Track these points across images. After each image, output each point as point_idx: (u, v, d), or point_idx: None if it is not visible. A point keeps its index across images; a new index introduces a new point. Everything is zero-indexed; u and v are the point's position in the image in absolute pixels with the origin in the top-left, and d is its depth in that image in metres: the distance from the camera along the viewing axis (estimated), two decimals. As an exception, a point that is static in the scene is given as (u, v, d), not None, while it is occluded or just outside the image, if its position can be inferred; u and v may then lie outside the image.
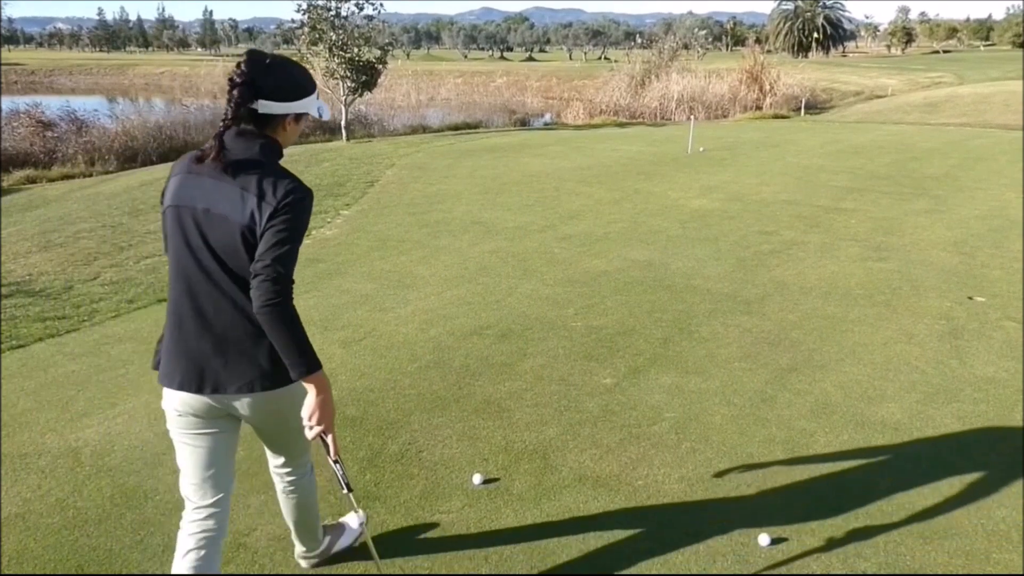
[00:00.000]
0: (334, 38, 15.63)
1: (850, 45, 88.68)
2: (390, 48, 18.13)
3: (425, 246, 7.09)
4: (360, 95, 16.83)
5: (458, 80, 48.64)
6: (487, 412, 3.81)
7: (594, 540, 2.82)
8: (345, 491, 2.15)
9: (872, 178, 10.85)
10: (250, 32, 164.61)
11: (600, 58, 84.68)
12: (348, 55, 15.82)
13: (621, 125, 21.65)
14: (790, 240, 7.27)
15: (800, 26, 70.61)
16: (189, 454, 2.14)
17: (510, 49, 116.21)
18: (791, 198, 9.35)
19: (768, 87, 26.29)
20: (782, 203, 9.04)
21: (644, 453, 3.43)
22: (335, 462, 2.10)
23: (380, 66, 16.58)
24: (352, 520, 2.80)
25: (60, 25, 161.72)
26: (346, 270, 6.32)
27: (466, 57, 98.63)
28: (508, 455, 3.41)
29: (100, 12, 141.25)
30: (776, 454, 3.41)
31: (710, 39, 70.13)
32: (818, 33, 69.71)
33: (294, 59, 2.24)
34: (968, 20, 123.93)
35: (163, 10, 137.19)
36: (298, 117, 2.07)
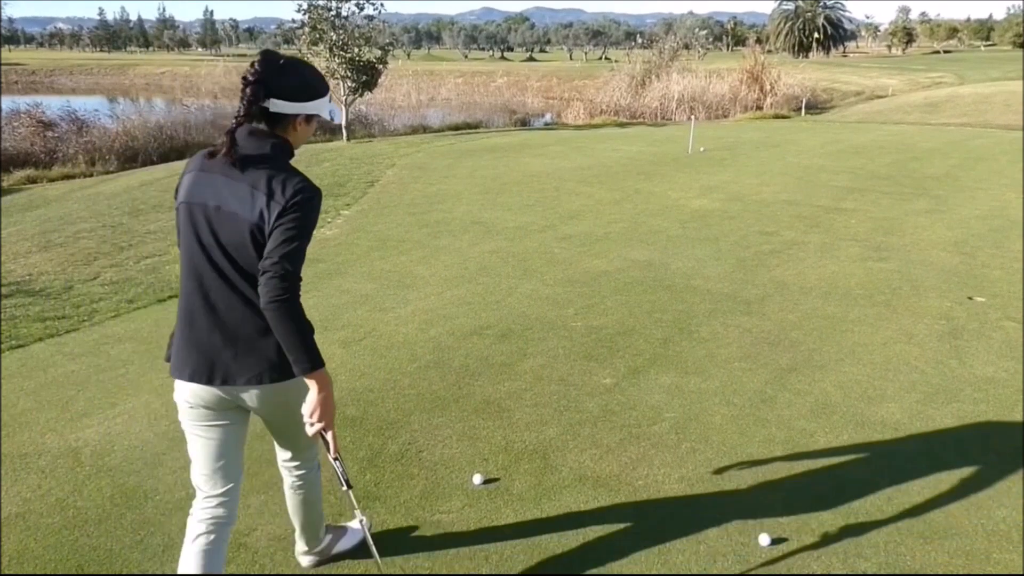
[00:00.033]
0: (334, 38, 15.64)
1: (851, 45, 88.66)
2: (390, 48, 18.14)
3: (425, 246, 7.09)
4: (360, 95, 16.83)
5: (458, 80, 48.63)
6: (487, 412, 3.81)
7: (594, 540, 2.82)
8: (345, 488, 2.17)
9: (872, 178, 10.85)
10: (251, 32, 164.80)
11: (600, 58, 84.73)
12: (348, 55, 15.82)
13: (621, 125, 21.65)
14: (790, 240, 7.27)
15: (801, 26, 70.60)
16: (201, 446, 2.19)
17: (511, 49, 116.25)
18: (791, 198, 9.35)
19: (769, 87, 26.29)
20: (782, 203, 9.03)
21: (644, 453, 3.43)
22: (335, 459, 2.13)
23: (380, 66, 16.58)
24: (355, 524, 2.81)
25: (61, 25, 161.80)
26: (346, 270, 6.32)
27: (466, 57, 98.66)
28: (508, 455, 3.41)
29: (101, 12, 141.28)
30: (776, 454, 3.41)
31: (711, 39, 70.11)
32: (819, 33, 69.69)
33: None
34: (969, 20, 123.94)
35: (164, 10, 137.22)
36: (309, 118, 2.11)
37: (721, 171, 11.58)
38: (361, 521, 2.29)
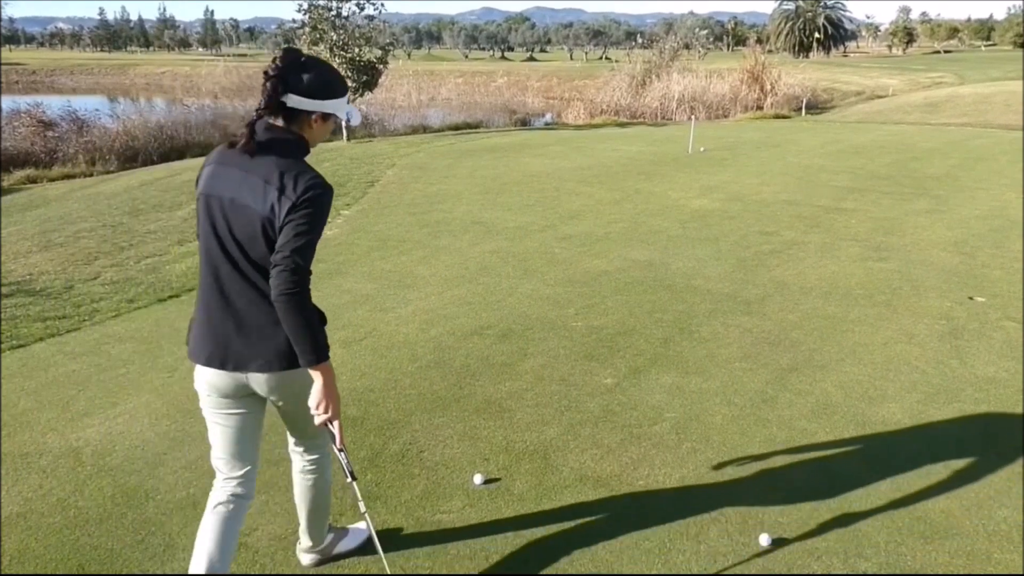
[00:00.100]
0: (335, 38, 15.64)
1: (851, 45, 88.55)
2: (391, 48, 18.15)
3: (425, 246, 7.09)
4: (361, 95, 16.82)
5: (459, 80, 48.60)
6: (488, 412, 3.82)
7: (595, 540, 2.82)
8: (349, 479, 2.20)
9: (873, 178, 10.85)
10: (251, 32, 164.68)
11: (601, 58, 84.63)
12: (349, 55, 15.82)
13: (622, 125, 21.65)
14: (790, 240, 7.27)
15: (801, 26, 70.55)
16: (220, 432, 2.29)
17: (511, 49, 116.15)
18: (792, 198, 9.35)
19: (769, 87, 26.26)
20: (782, 203, 9.03)
21: (645, 453, 3.43)
22: (340, 451, 2.19)
23: (381, 66, 16.58)
24: (359, 526, 2.82)
25: (61, 25, 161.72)
26: (346, 270, 6.32)
27: (467, 57, 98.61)
28: (509, 455, 3.41)
29: (101, 12, 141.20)
30: (776, 454, 3.41)
31: (711, 39, 70.14)
32: (819, 33, 69.64)
33: None
34: (969, 20, 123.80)
35: (164, 10, 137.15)
36: (326, 117, 2.16)
37: (721, 171, 11.58)
38: (365, 514, 2.31)
